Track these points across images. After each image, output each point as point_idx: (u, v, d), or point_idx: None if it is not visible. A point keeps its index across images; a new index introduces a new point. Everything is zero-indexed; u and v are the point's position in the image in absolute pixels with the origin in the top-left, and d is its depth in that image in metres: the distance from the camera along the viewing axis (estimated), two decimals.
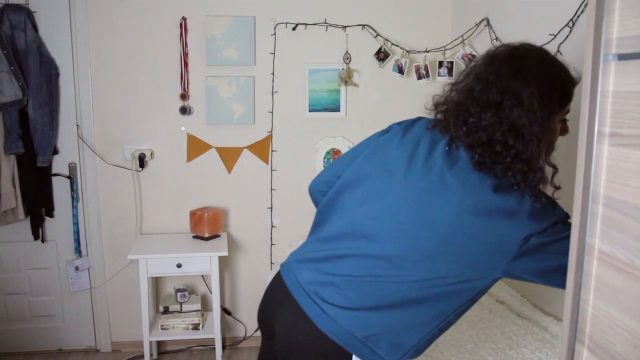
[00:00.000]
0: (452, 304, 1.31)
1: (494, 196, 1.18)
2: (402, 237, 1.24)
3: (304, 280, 1.33)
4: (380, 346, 1.26)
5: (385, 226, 1.26)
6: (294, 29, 2.97)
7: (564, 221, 1.20)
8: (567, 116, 1.30)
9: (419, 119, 1.46)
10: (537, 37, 2.22)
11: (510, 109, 1.18)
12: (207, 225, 2.91)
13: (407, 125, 1.45)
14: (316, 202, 1.64)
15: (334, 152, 3.13)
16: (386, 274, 1.24)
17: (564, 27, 2.00)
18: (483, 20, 2.65)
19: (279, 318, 1.38)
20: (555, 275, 1.17)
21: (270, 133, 3.07)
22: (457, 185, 1.21)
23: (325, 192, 1.53)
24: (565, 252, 0.90)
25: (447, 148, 1.26)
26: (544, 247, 1.16)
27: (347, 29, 2.99)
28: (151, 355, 2.97)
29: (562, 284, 0.96)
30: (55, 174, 2.99)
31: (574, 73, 1.25)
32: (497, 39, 2.53)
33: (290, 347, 1.34)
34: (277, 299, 1.41)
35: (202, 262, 2.77)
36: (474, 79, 1.26)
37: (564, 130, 1.31)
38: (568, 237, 0.89)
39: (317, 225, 1.48)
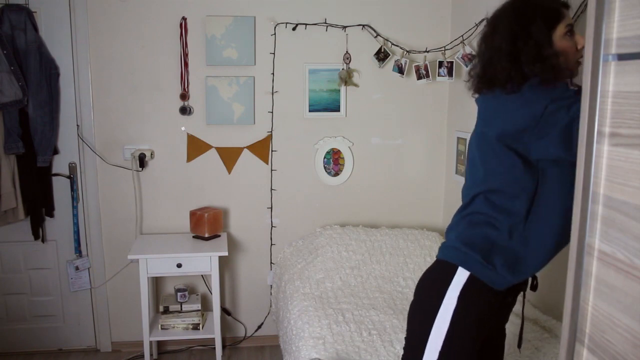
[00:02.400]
0: None
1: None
2: None
3: None
4: None
5: None
6: (294, 29, 2.97)
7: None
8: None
9: None
10: None
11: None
12: (207, 225, 2.91)
13: None
14: None
15: (334, 152, 3.13)
16: None
17: None
18: (483, 20, 2.65)
19: None
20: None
21: (270, 133, 3.07)
22: None
23: None
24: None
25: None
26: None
27: (347, 29, 2.99)
28: (151, 355, 2.97)
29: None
30: (56, 174, 2.99)
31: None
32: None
33: None
34: None
35: (202, 262, 2.77)
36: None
37: (577, 43, 1.48)
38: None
39: None
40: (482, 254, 1.44)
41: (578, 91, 1.34)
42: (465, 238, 1.48)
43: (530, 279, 1.57)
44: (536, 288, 1.62)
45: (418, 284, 1.59)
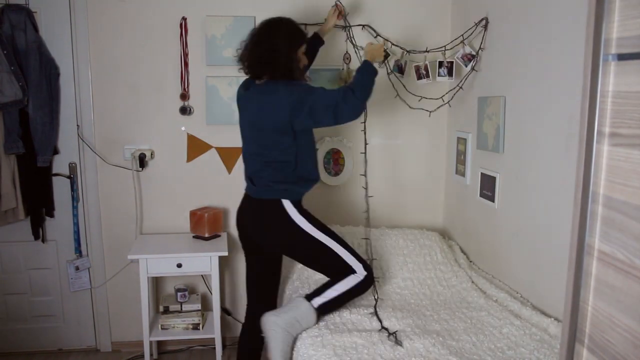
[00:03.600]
0: None
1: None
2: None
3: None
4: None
5: None
6: None
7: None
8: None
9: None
10: (536, 36, 2.22)
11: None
12: (207, 225, 2.91)
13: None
14: None
15: (334, 152, 3.13)
16: None
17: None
18: (483, 20, 2.65)
19: None
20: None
21: None
22: None
23: None
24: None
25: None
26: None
27: (347, 29, 2.99)
28: (151, 355, 2.97)
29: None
30: (56, 174, 2.99)
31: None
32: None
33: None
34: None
35: (202, 262, 2.77)
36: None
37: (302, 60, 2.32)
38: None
39: None
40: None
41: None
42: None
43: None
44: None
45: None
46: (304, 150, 2.26)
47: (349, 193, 3.18)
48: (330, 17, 2.74)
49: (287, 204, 2.25)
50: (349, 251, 2.27)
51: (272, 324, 2.07)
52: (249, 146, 2.35)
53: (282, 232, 2.28)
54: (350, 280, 2.22)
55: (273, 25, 2.27)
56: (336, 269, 2.26)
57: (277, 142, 2.21)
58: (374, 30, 3.00)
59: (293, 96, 2.13)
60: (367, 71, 2.27)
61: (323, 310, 2.18)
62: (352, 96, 2.17)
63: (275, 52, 2.18)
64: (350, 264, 2.24)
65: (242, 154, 2.44)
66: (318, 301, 2.16)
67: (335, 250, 2.24)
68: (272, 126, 2.19)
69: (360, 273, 2.24)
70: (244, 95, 2.35)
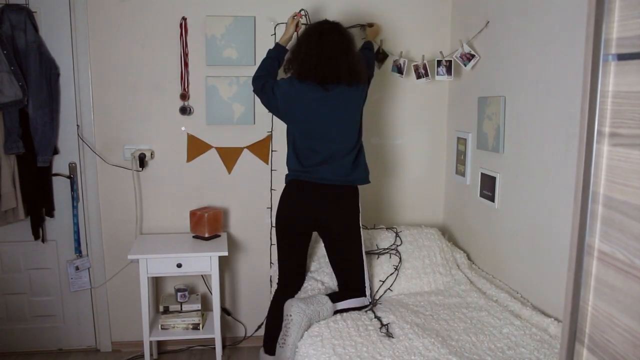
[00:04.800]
0: None
1: None
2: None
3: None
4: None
5: None
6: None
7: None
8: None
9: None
10: (536, 36, 2.22)
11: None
12: (207, 225, 2.91)
13: None
14: None
15: None
16: None
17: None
18: (483, 20, 2.65)
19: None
20: None
21: (270, 133, 3.07)
22: None
23: None
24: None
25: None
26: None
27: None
28: (151, 355, 2.97)
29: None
30: (56, 174, 2.99)
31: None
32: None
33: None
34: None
35: (202, 262, 2.77)
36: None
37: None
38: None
39: None
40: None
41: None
42: None
43: None
44: None
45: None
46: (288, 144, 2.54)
47: None
48: (289, 26, 2.67)
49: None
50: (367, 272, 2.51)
51: (301, 310, 2.18)
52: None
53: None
54: (362, 300, 2.41)
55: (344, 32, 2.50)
56: (355, 278, 2.46)
57: None
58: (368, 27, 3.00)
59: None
60: (372, 48, 2.88)
61: (336, 313, 2.33)
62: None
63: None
64: (366, 285, 2.47)
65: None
66: (338, 306, 2.32)
67: (363, 262, 2.49)
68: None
69: (367, 299, 2.44)
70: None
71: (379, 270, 2.66)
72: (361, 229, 2.48)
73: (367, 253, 2.67)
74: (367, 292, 2.44)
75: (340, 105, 2.41)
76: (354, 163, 2.44)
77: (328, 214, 2.42)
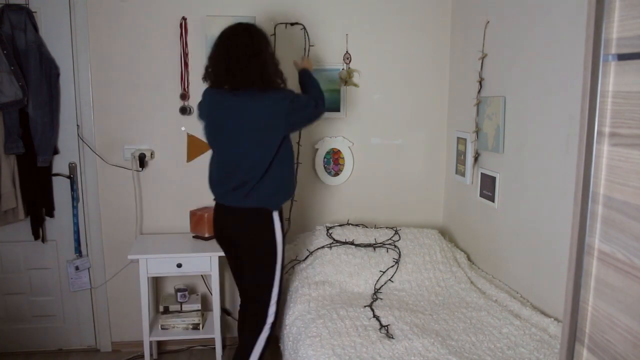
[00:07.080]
0: None
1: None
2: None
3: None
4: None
5: None
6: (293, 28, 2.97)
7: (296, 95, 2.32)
8: None
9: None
10: (536, 36, 2.22)
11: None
12: (207, 225, 2.91)
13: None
14: None
15: (334, 152, 3.13)
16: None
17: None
18: (483, 20, 2.65)
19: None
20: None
21: None
22: None
23: None
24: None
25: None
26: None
27: (347, 29, 2.99)
28: (151, 355, 2.97)
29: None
30: (56, 174, 2.99)
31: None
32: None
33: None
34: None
35: (202, 262, 2.77)
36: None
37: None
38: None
39: None
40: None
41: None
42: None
43: None
44: None
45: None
46: None
47: (349, 193, 3.18)
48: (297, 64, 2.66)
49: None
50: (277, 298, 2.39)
51: None
52: None
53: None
54: (263, 338, 2.38)
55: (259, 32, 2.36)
56: (258, 305, 2.38)
57: None
58: (374, 30, 3.00)
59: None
60: (312, 77, 2.53)
61: None
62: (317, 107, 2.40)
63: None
64: (269, 312, 2.37)
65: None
66: None
67: (271, 291, 2.37)
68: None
69: (267, 329, 2.37)
70: None
71: (379, 260, 2.70)
72: (278, 257, 2.33)
73: (365, 246, 2.68)
74: (270, 320, 2.36)
75: (249, 112, 2.20)
76: (259, 186, 2.27)
77: (235, 235, 2.37)
